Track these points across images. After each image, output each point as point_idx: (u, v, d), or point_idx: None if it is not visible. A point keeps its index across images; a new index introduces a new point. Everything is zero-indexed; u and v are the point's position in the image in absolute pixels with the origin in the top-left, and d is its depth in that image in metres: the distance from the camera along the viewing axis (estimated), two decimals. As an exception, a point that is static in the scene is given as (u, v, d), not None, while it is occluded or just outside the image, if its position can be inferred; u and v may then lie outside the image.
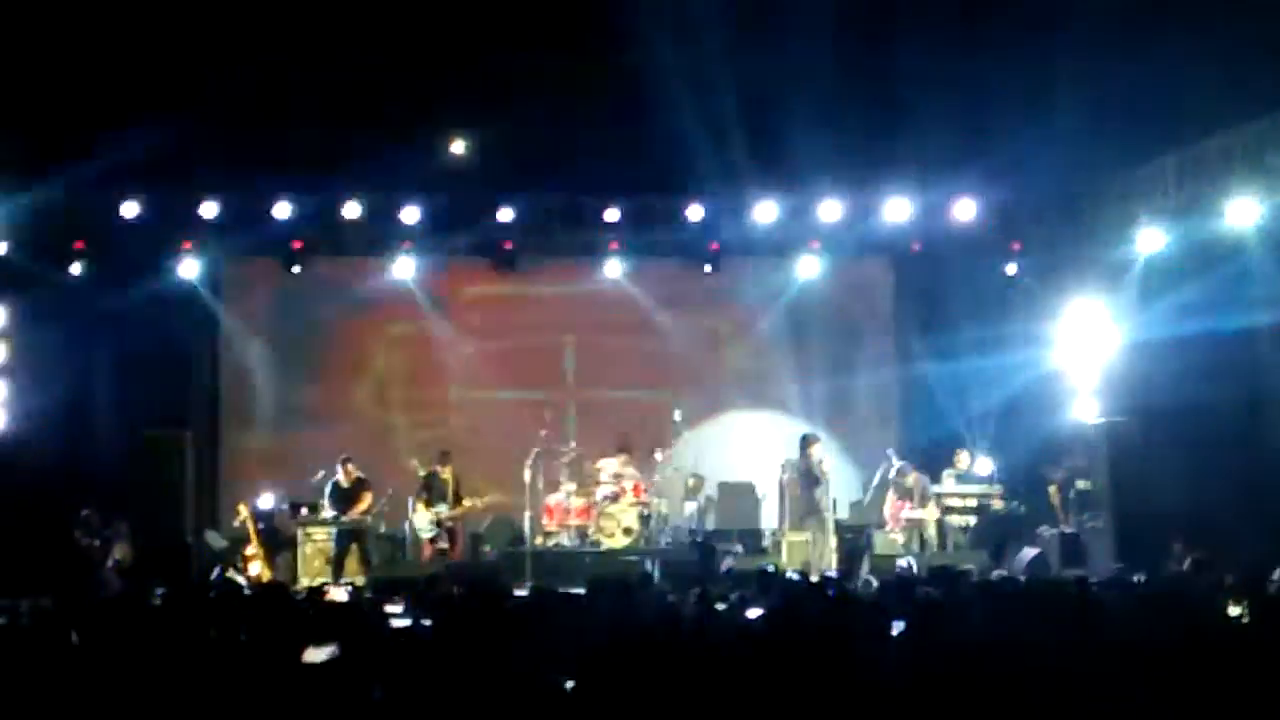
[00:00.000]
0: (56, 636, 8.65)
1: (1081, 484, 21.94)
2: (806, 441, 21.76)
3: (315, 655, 7.14)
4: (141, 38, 18.05)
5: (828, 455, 21.93)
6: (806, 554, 21.36)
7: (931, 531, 22.17)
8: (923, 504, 22.19)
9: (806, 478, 21.62)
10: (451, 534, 21.89)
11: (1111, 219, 22.00)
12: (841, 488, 22.79)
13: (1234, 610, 10.23)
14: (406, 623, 9.97)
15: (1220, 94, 17.86)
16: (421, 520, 21.83)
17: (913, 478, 22.40)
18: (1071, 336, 22.97)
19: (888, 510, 22.48)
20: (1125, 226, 21.63)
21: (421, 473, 22.29)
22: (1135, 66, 17.71)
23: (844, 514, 22.70)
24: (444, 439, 23.47)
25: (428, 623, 9.58)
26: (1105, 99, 18.69)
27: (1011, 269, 23.71)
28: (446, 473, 21.98)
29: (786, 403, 24.98)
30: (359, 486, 21.72)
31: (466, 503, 22.02)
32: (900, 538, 22.19)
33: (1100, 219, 22.27)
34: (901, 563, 19.77)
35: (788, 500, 22.49)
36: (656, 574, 19.13)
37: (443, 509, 21.78)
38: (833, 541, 21.40)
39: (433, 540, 21.76)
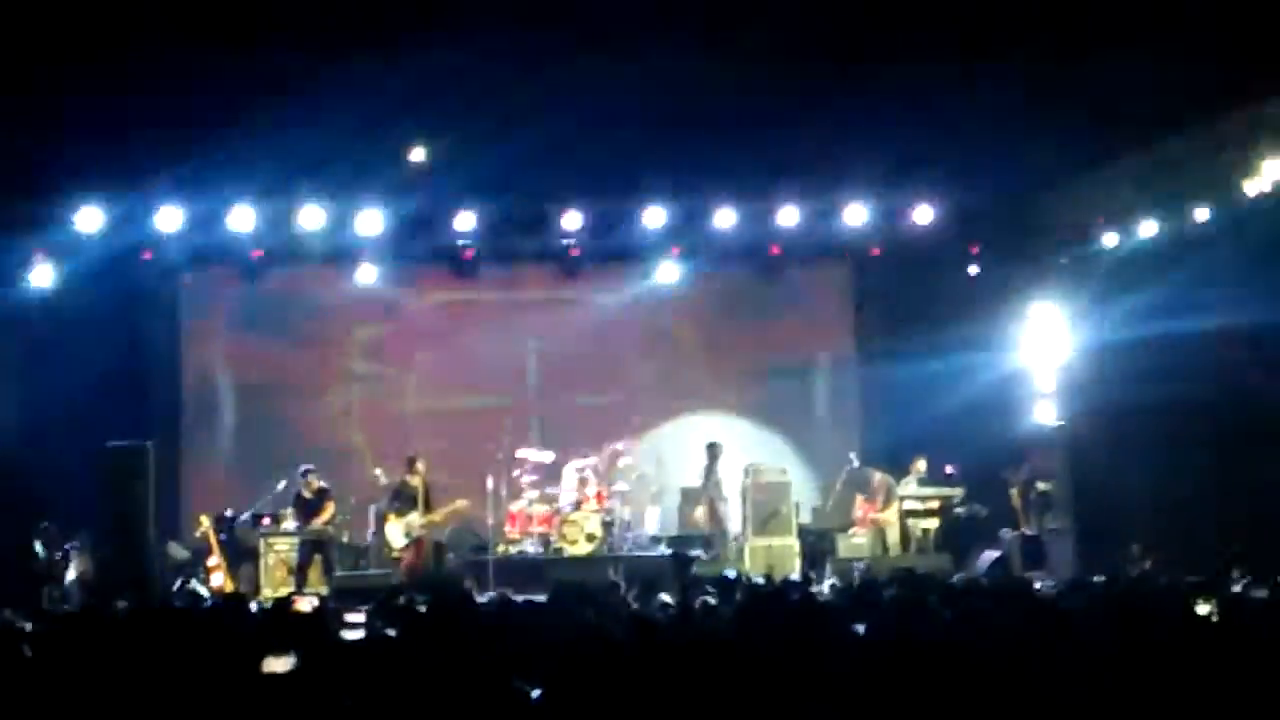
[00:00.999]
0: (12, 650, 8.61)
1: (1042, 486, 22.06)
2: (715, 451, 22.17)
3: (275, 665, 7.12)
4: (97, 41, 17.93)
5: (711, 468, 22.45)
6: (769, 559, 21.44)
7: (895, 535, 22.25)
8: (885, 506, 22.28)
9: (718, 488, 22.06)
10: (419, 541, 21.74)
11: (1069, 222, 22.12)
12: (803, 491, 22.85)
13: (1203, 609, 10.27)
14: (363, 634, 9.94)
15: (1178, 96, 17.94)
16: (394, 531, 21.68)
17: (878, 479, 22.51)
18: (1032, 339, 23.08)
19: (856, 512, 22.58)
20: (1083, 229, 21.76)
21: (384, 481, 22.25)
22: (1092, 68, 17.76)
23: (806, 518, 22.78)
24: (407, 448, 23.41)
25: (391, 632, 9.56)
26: (1063, 101, 18.74)
27: (972, 271, 23.78)
28: (415, 479, 21.87)
29: (747, 407, 25.02)
30: (321, 497, 21.64)
31: (437, 513, 21.90)
32: (864, 540, 22.28)
33: (1058, 222, 22.38)
34: (859, 566, 19.81)
35: (750, 505, 22.55)
36: (621, 581, 19.12)
37: (414, 518, 21.66)
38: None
39: (405, 550, 21.62)
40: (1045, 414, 22.82)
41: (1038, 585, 14.89)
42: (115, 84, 18.42)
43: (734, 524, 22.80)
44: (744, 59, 18.71)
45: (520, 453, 22.90)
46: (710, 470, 22.73)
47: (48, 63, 18.12)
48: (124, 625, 9.94)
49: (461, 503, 22.03)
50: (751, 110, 19.46)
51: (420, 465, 21.94)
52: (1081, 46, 17.66)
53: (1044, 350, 23.04)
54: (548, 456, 23.19)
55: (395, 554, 21.59)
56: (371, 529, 22.57)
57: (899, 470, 22.79)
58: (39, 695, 7.33)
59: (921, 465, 22.70)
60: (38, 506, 21.49)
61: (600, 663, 7.28)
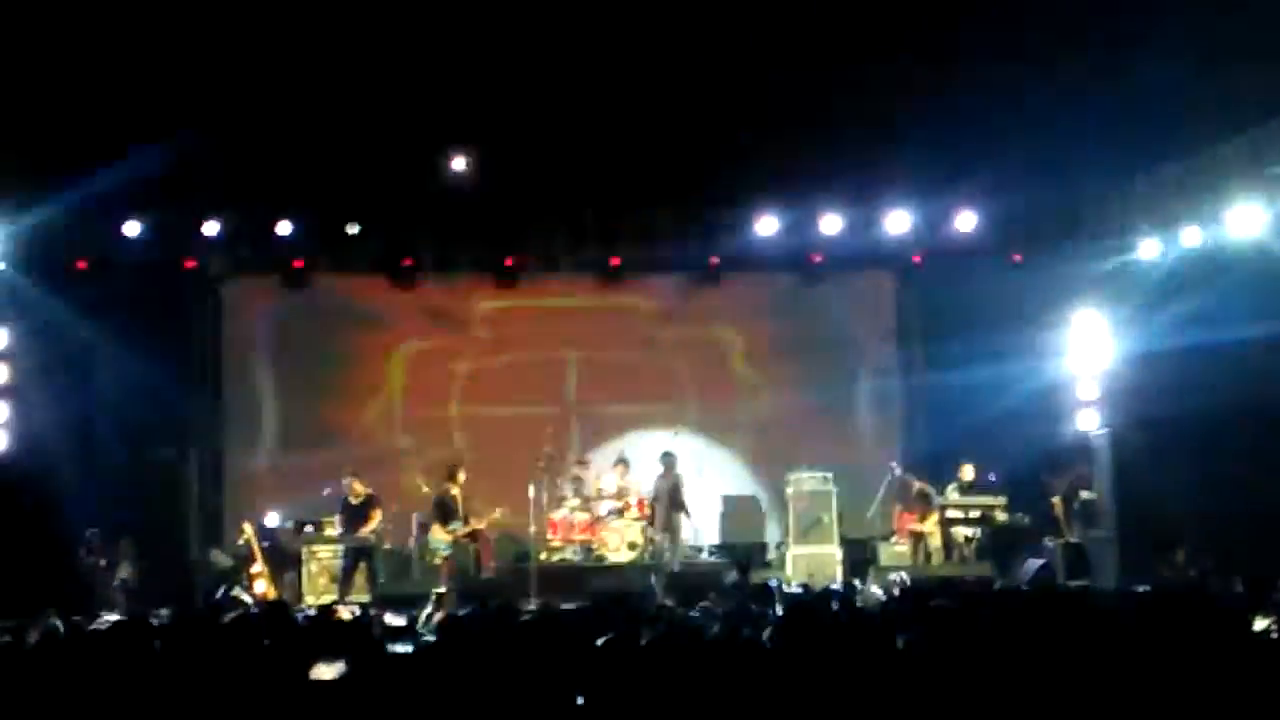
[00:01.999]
0: (64, 657, 8.64)
1: (1085, 494, 21.93)
2: (670, 461, 22.12)
3: (323, 673, 7.14)
4: (142, 56, 18.03)
5: (668, 478, 22.48)
6: (811, 568, 21.41)
7: (936, 543, 22.17)
8: (924, 516, 22.21)
9: (672, 495, 21.98)
10: (478, 548, 21.77)
11: (1112, 229, 22.04)
12: (846, 500, 22.79)
13: (1260, 624, 10.00)
14: (410, 646, 9.93)
15: (1220, 103, 17.87)
16: (438, 540, 21.70)
17: (916, 488, 22.44)
18: (1074, 347, 22.97)
19: (895, 521, 22.54)
20: (1126, 237, 21.67)
21: (426, 490, 22.27)
22: (1135, 75, 17.70)
23: (848, 526, 22.74)
24: (449, 456, 23.44)
25: (434, 639, 9.58)
26: (1106, 108, 18.69)
27: (1014, 279, 23.69)
28: (455, 489, 21.88)
29: (789, 414, 24.95)
30: (368, 504, 21.63)
31: (478, 521, 21.90)
32: (906, 549, 22.23)
33: (1101, 229, 22.29)
34: (893, 577, 19.71)
35: (792, 513, 22.52)
36: (660, 589, 19.11)
37: (457, 526, 21.67)
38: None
39: (448, 558, 21.61)
40: (1088, 422, 22.70)
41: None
42: (161, 93, 18.55)
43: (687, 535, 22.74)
44: (785, 64, 18.72)
45: (571, 466, 22.93)
46: (666, 481, 22.55)
47: (89, 71, 18.24)
48: (168, 632, 9.96)
49: (500, 511, 22.02)
50: (793, 117, 19.45)
51: (461, 475, 21.94)
52: (1125, 54, 17.62)
53: (1087, 358, 22.93)
54: (589, 464, 23.21)
55: (438, 562, 21.60)
56: (415, 536, 22.59)
57: (943, 478, 22.71)
58: (86, 702, 7.36)
59: (968, 473, 22.58)
60: (82, 514, 21.58)
61: (641, 671, 7.28)
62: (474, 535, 21.74)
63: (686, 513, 22.46)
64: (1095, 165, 20.35)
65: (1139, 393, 21.33)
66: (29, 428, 21.70)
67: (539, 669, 8.00)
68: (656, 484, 22.47)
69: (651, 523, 22.40)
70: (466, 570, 21.43)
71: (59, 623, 12.14)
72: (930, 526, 22.17)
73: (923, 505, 22.35)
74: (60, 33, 17.63)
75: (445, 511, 21.68)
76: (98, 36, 17.76)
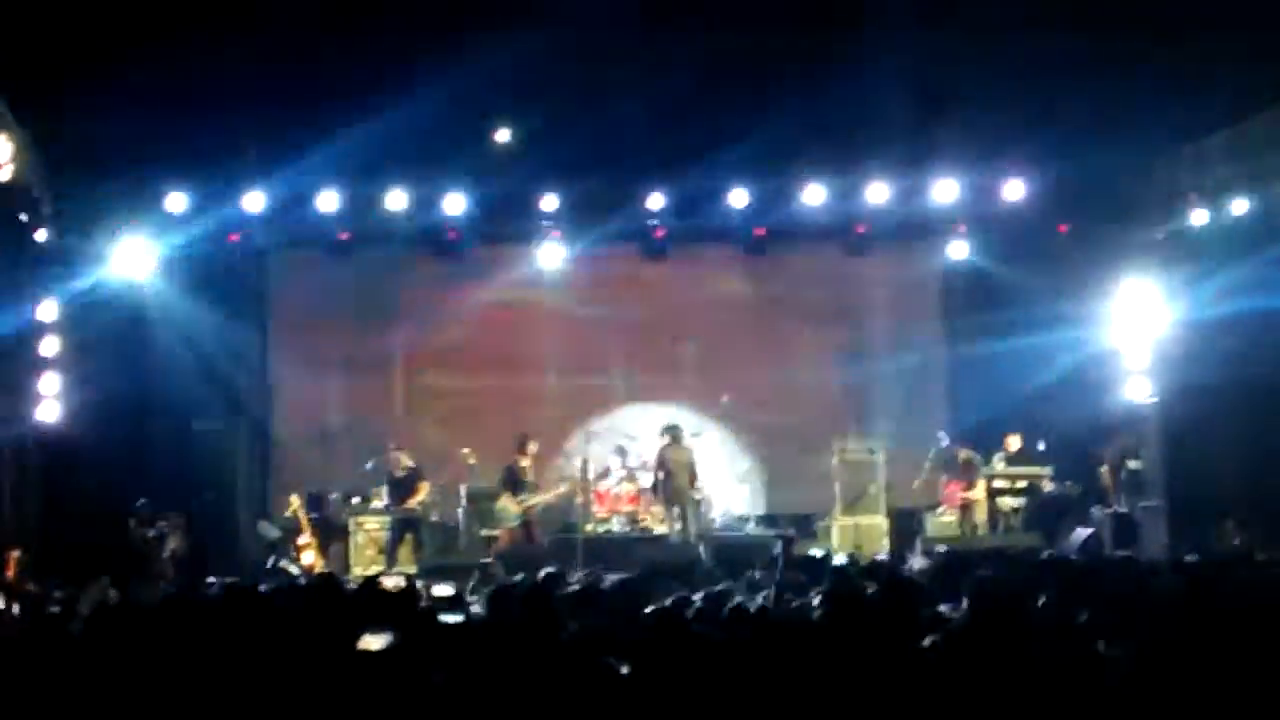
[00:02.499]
0: (115, 628, 8.70)
1: (1133, 464, 21.84)
2: (522, 443, 22.01)
3: (371, 643, 7.16)
4: (187, 28, 18.08)
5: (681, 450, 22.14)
6: (857, 538, 21.40)
7: (983, 514, 22.13)
8: (972, 485, 22.16)
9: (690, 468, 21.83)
10: (527, 522, 21.87)
11: (1160, 197, 21.89)
12: (895, 469, 22.74)
13: None
14: (460, 615, 9.96)
15: (1269, 69, 17.73)
16: (507, 510, 21.80)
17: (963, 456, 22.38)
18: (1123, 316, 22.84)
19: (941, 491, 22.49)
20: (1174, 204, 21.53)
21: (472, 461, 22.34)
22: (1184, 42, 17.58)
23: (896, 497, 22.70)
24: (490, 428, 23.50)
25: (481, 610, 9.60)
26: (1153, 76, 18.56)
27: (1061, 248, 23.58)
28: (526, 460, 21.99)
29: (835, 385, 24.91)
30: (413, 476, 21.77)
31: (549, 493, 22.02)
32: (952, 519, 22.19)
33: (1149, 197, 22.14)
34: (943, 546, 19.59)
35: (838, 483, 22.49)
36: (707, 559, 19.13)
37: (526, 497, 21.76)
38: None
39: (512, 529, 21.71)
40: (1137, 391, 22.57)
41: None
42: (202, 66, 18.60)
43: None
44: (832, 33, 18.66)
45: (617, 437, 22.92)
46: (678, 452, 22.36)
47: (135, 46, 18.30)
48: (218, 603, 10.02)
49: (570, 484, 22.10)
50: (840, 86, 19.36)
51: (531, 446, 22.04)
52: (1175, 20, 17.49)
53: (1136, 327, 22.79)
54: (635, 438, 23.22)
55: (498, 532, 21.73)
56: (462, 507, 22.68)
57: (990, 449, 22.66)
58: (137, 673, 7.40)
59: (1014, 443, 22.52)
60: (132, 485, 21.72)
61: (687, 641, 7.29)
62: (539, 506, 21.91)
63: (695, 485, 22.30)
64: (1144, 133, 20.19)
65: (1187, 361, 21.18)
66: (79, 400, 21.80)
67: (584, 639, 8.02)
68: (666, 454, 22.23)
69: (660, 495, 22.19)
70: (517, 541, 21.55)
71: (111, 593, 12.25)
72: (979, 494, 22.12)
73: (970, 474, 22.30)
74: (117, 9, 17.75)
75: (515, 482, 21.77)
76: (153, 14, 17.86)
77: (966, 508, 22.15)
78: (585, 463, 22.28)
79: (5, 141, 18.49)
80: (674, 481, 21.80)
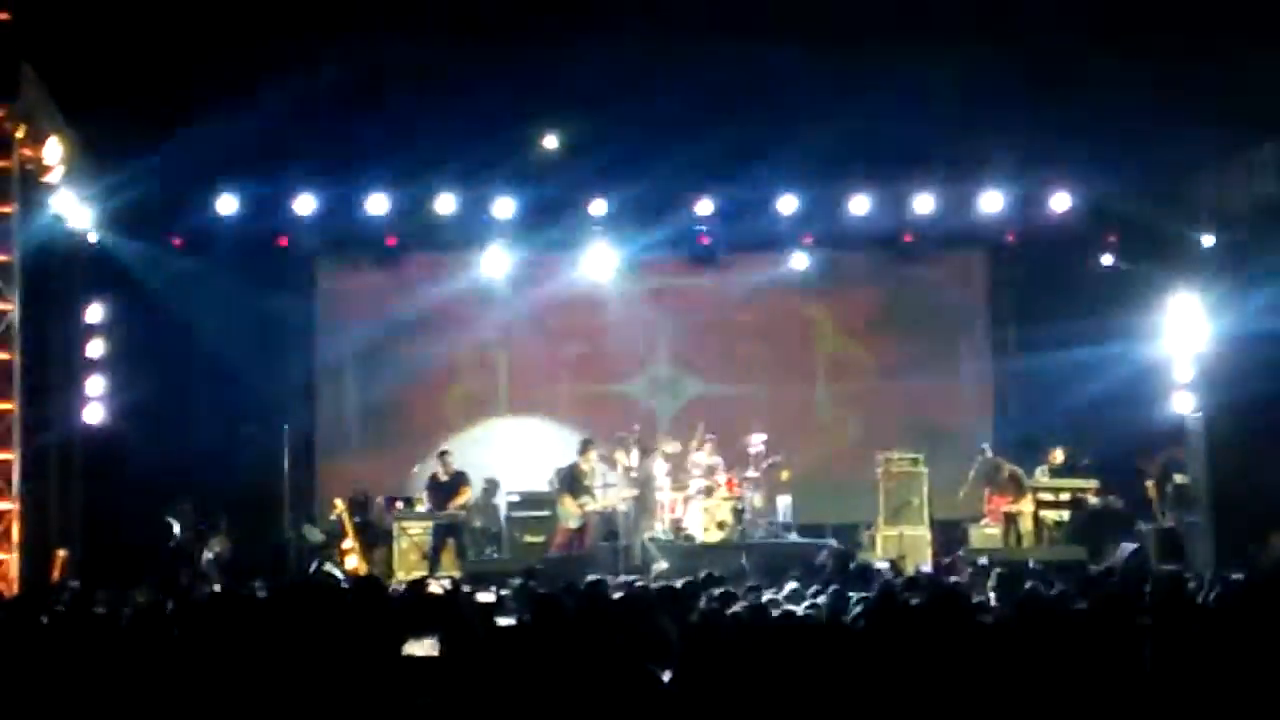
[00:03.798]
0: (160, 630, 8.74)
1: (1179, 478, 21.72)
2: (585, 447, 22.06)
3: (416, 648, 7.19)
4: (233, 30, 18.20)
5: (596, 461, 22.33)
6: (900, 549, 21.33)
7: (1028, 525, 22.03)
8: (1018, 497, 22.07)
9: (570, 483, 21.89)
10: (584, 526, 21.93)
11: (1208, 210, 21.79)
12: (937, 481, 22.65)
13: None
14: (510, 620, 9.97)
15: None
16: (568, 512, 21.88)
17: (1007, 470, 22.30)
18: (1170, 329, 22.74)
19: (986, 504, 22.39)
20: (1224, 217, 21.42)
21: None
22: (1231, 55, 17.52)
23: (940, 509, 22.62)
24: (537, 433, 23.59)
25: (525, 616, 9.61)
26: (1200, 88, 18.48)
27: (1109, 259, 23.51)
28: (586, 464, 22.06)
29: (880, 395, 24.87)
30: (457, 480, 21.88)
31: (610, 498, 22.07)
32: (996, 531, 22.11)
33: (1197, 210, 22.04)
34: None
35: (881, 494, 22.43)
36: (749, 568, 19.12)
37: (587, 500, 21.82)
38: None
39: (571, 531, 21.79)
40: (1183, 405, 22.45)
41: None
42: (251, 71, 18.69)
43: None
44: (880, 41, 18.65)
45: (661, 444, 22.88)
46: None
47: (185, 50, 18.42)
48: (264, 606, 10.06)
49: (632, 490, 22.15)
50: (886, 96, 19.34)
51: (593, 451, 22.13)
52: (1223, 33, 17.43)
53: (1182, 340, 22.67)
54: (677, 444, 23.19)
55: (541, 538, 21.84)
56: (505, 514, 22.76)
57: (1035, 462, 22.58)
58: (180, 673, 7.44)
59: (1058, 456, 22.44)
60: (176, 488, 21.83)
61: (730, 648, 7.29)
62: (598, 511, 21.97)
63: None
64: (1192, 145, 20.10)
65: (1235, 375, 21.05)
66: (125, 402, 21.93)
67: (628, 645, 8.02)
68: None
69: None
70: (570, 543, 21.64)
71: (155, 596, 12.31)
72: (1027, 506, 22.00)
73: (1015, 488, 22.21)
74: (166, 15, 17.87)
75: (576, 485, 21.84)
76: (204, 19, 17.98)
77: (1012, 519, 22.04)
78: (645, 468, 22.30)
79: (56, 144, 18.61)
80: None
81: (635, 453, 22.47)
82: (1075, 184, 22.61)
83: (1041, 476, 22.42)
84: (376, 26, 18.55)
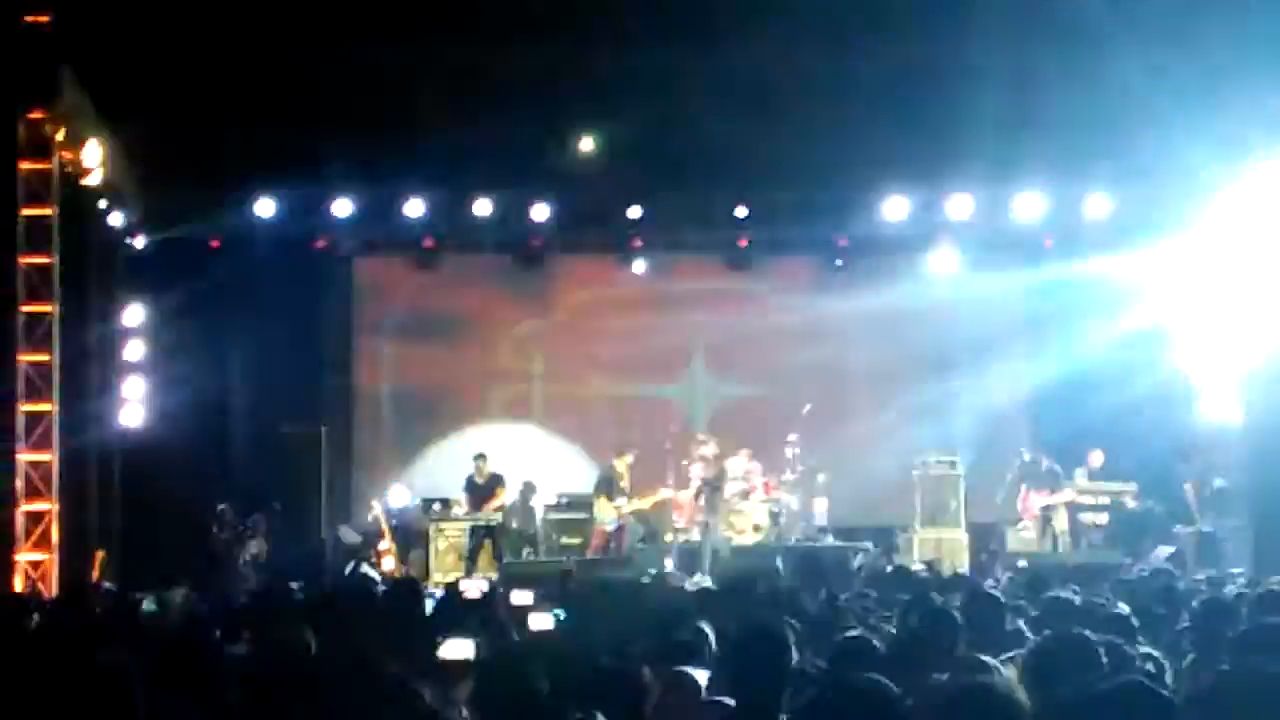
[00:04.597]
0: (204, 629, 8.78)
1: (1218, 482, 21.63)
2: (621, 450, 22.16)
3: (453, 650, 7.20)
4: (271, 34, 18.26)
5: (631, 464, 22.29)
6: (937, 552, 21.29)
7: (1063, 524, 21.91)
8: (1055, 489, 21.90)
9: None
10: (621, 528, 21.93)
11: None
12: (975, 484, 22.58)
13: None
14: (546, 619, 9.98)
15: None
16: (603, 514, 21.89)
17: (1046, 465, 22.18)
18: (1208, 333, 22.62)
19: (1020, 503, 22.24)
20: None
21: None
22: (1264, 59, 17.47)
23: (977, 512, 22.56)
24: (574, 436, 23.63)
25: (561, 614, 9.64)
26: (1234, 92, 18.42)
27: (1143, 262, 23.41)
28: (623, 465, 22.08)
29: (916, 399, 24.81)
30: (493, 483, 21.91)
31: (646, 500, 22.10)
32: (1033, 533, 22.01)
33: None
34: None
35: (919, 497, 22.38)
36: (785, 571, 19.09)
37: (623, 503, 21.84)
38: None
39: (608, 533, 21.81)
40: (1223, 409, 22.36)
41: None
42: (291, 75, 18.77)
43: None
44: (917, 46, 18.63)
45: (697, 447, 22.89)
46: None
47: (223, 53, 18.50)
48: (303, 607, 10.10)
49: (667, 492, 22.18)
50: (925, 100, 19.33)
51: (628, 455, 22.14)
52: (1257, 36, 17.38)
53: (1222, 344, 22.56)
54: (715, 446, 23.18)
55: (577, 540, 21.88)
56: (541, 516, 22.79)
57: (1071, 463, 22.50)
58: (219, 673, 7.47)
59: (1097, 459, 22.33)
60: (215, 489, 21.92)
61: (764, 650, 7.27)
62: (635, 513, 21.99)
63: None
64: (1226, 150, 20.01)
65: (1276, 379, 20.97)
66: (163, 404, 22.03)
67: (661, 646, 8.03)
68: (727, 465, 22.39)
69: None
70: (608, 545, 21.68)
71: (193, 597, 12.36)
72: (1062, 498, 21.84)
73: (1052, 480, 22.08)
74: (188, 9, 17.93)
75: (611, 487, 21.86)
76: (225, 12, 18.04)
77: (1046, 519, 21.93)
78: (664, 472, 22.32)
79: (96, 146, 18.70)
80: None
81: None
82: (1112, 188, 22.57)
83: (1080, 479, 22.32)
84: (413, 29, 18.59)
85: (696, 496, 21.73)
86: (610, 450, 22.66)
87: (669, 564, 20.36)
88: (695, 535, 22.36)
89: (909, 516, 22.60)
